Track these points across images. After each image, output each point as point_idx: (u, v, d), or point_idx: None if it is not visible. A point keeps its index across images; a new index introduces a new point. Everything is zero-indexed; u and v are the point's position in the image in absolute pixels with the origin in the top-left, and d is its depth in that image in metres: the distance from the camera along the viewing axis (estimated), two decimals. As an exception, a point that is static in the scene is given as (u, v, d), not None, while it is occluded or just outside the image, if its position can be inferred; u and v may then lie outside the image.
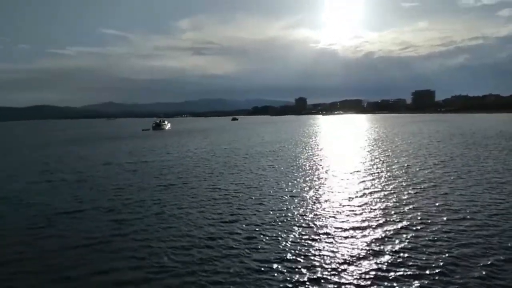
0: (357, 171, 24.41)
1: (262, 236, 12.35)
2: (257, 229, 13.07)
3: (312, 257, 10.57)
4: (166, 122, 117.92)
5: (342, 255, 10.74)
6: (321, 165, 28.11)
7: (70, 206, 16.90)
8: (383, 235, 12.13)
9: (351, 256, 10.62)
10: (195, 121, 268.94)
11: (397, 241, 11.56)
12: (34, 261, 10.90)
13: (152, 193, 19.23)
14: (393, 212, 14.58)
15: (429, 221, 13.39)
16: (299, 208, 15.57)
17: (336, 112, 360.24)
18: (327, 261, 10.33)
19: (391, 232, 12.38)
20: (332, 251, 11.00)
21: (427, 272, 9.51)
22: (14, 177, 25.82)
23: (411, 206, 15.41)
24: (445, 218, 13.62)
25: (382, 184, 19.95)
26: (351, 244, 11.47)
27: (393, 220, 13.58)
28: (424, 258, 10.28)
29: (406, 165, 26.58)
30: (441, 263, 9.92)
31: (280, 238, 12.06)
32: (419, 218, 13.76)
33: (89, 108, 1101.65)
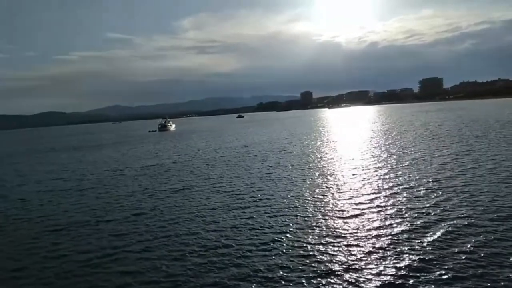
0: (373, 171, 23.11)
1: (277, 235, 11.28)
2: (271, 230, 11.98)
3: (327, 260, 9.52)
4: (171, 122, 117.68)
5: (355, 255, 10.15)
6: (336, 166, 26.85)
7: (80, 215, 15.94)
8: (396, 235, 11.00)
9: (365, 256, 10.10)
10: (201, 120, 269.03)
11: (416, 241, 10.68)
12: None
13: (164, 199, 18.22)
14: (413, 209, 13.36)
15: (443, 219, 12.15)
16: (313, 209, 14.42)
17: (343, 105, 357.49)
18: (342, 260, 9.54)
19: (408, 232, 11.20)
20: (347, 251, 10.24)
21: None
22: (23, 185, 25.02)
23: (428, 204, 14.16)
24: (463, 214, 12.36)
25: (402, 180, 18.68)
26: (362, 245, 10.65)
27: (412, 218, 12.37)
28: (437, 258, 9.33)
29: (420, 159, 25.21)
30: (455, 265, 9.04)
31: (293, 240, 10.98)
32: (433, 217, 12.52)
33: (95, 112, 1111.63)
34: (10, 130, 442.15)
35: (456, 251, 9.99)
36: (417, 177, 19.15)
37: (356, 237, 11.45)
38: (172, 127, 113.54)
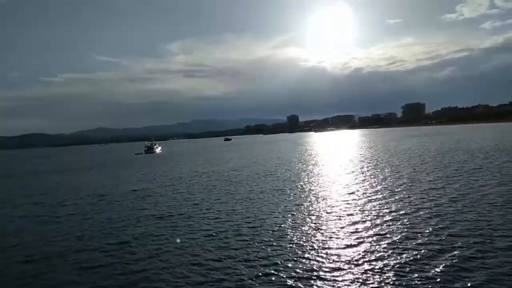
0: (361, 195, 22.65)
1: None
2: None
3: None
4: (157, 145, 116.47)
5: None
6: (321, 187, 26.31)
7: (55, 245, 14.81)
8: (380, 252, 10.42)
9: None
10: (188, 142, 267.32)
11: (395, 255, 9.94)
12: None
13: (148, 226, 17.21)
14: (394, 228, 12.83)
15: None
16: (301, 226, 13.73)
17: (328, 129, 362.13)
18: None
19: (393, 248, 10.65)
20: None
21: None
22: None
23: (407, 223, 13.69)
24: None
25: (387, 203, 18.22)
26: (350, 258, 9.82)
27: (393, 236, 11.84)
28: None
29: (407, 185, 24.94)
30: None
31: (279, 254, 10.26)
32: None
33: (80, 134, 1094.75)
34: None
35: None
36: (406, 204, 18.71)
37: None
38: (158, 149, 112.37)
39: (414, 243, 12.55)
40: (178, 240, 12.17)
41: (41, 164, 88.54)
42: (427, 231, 13.80)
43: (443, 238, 12.91)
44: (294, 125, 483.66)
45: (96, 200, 26.12)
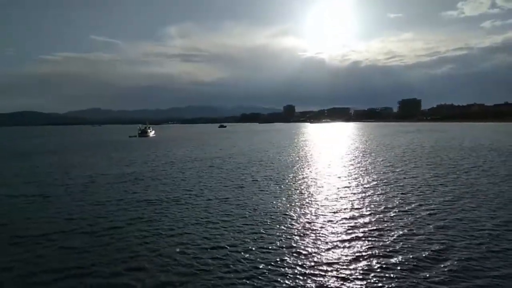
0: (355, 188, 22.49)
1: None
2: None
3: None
4: (151, 128, 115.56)
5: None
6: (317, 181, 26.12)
7: (43, 226, 14.44)
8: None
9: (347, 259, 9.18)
10: (182, 127, 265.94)
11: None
12: None
13: (140, 210, 16.89)
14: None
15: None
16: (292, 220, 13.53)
17: (324, 120, 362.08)
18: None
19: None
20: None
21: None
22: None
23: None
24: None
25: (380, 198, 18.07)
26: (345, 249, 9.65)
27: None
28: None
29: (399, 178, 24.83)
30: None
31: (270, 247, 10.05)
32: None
33: (75, 114, 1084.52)
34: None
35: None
36: (399, 199, 18.58)
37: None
38: (152, 133, 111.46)
39: (406, 239, 12.40)
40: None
41: (33, 143, 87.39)
42: (422, 229, 13.67)
43: (435, 234, 12.78)
44: (289, 115, 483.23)
45: (87, 181, 25.67)
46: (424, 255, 11.16)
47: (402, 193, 19.97)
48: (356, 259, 10.93)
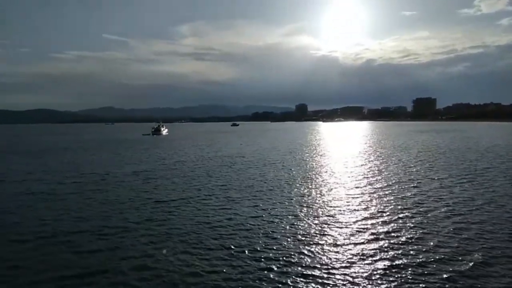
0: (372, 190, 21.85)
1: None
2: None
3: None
4: (164, 127, 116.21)
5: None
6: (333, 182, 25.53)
7: (54, 224, 14.29)
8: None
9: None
10: (194, 126, 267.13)
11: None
12: None
13: (152, 210, 16.64)
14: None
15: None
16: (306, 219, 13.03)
17: (336, 119, 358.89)
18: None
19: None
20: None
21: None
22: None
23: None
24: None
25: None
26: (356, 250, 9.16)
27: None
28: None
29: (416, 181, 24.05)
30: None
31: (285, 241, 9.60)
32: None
33: (88, 112, 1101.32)
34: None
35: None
36: (415, 202, 17.90)
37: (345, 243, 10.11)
38: (165, 131, 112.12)
39: (423, 243, 11.80)
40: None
41: (47, 140, 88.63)
42: (439, 230, 13.04)
43: (451, 237, 12.15)
44: (302, 114, 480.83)
45: (99, 179, 25.62)
46: (438, 257, 10.68)
47: (419, 194, 19.29)
48: (372, 260, 10.45)
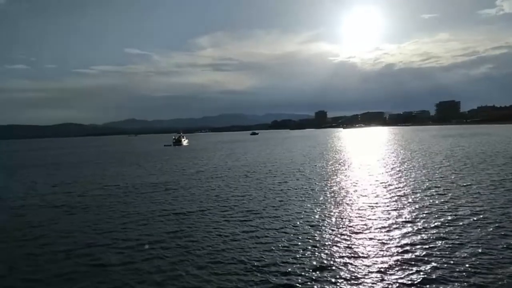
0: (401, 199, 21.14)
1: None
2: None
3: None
4: (184, 137, 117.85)
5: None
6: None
7: (78, 237, 14.46)
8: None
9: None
10: (215, 136, 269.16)
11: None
12: None
13: (175, 221, 16.63)
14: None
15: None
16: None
17: (357, 125, 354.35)
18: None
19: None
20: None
21: None
22: (25, 198, 23.85)
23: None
24: None
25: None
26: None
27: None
28: None
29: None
30: None
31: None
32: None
33: (112, 125, 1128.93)
34: (26, 140, 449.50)
35: None
36: (443, 209, 17.14)
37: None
38: (185, 142, 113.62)
39: (451, 255, 11.16)
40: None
41: (73, 153, 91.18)
42: (469, 240, 12.33)
43: (478, 246, 11.45)
44: (321, 121, 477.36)
45: (120, 192, 25.98)
46: (471, 270, 9.99)
47: (447, 202, 18.47)
48: (402, 274, 9.91)
